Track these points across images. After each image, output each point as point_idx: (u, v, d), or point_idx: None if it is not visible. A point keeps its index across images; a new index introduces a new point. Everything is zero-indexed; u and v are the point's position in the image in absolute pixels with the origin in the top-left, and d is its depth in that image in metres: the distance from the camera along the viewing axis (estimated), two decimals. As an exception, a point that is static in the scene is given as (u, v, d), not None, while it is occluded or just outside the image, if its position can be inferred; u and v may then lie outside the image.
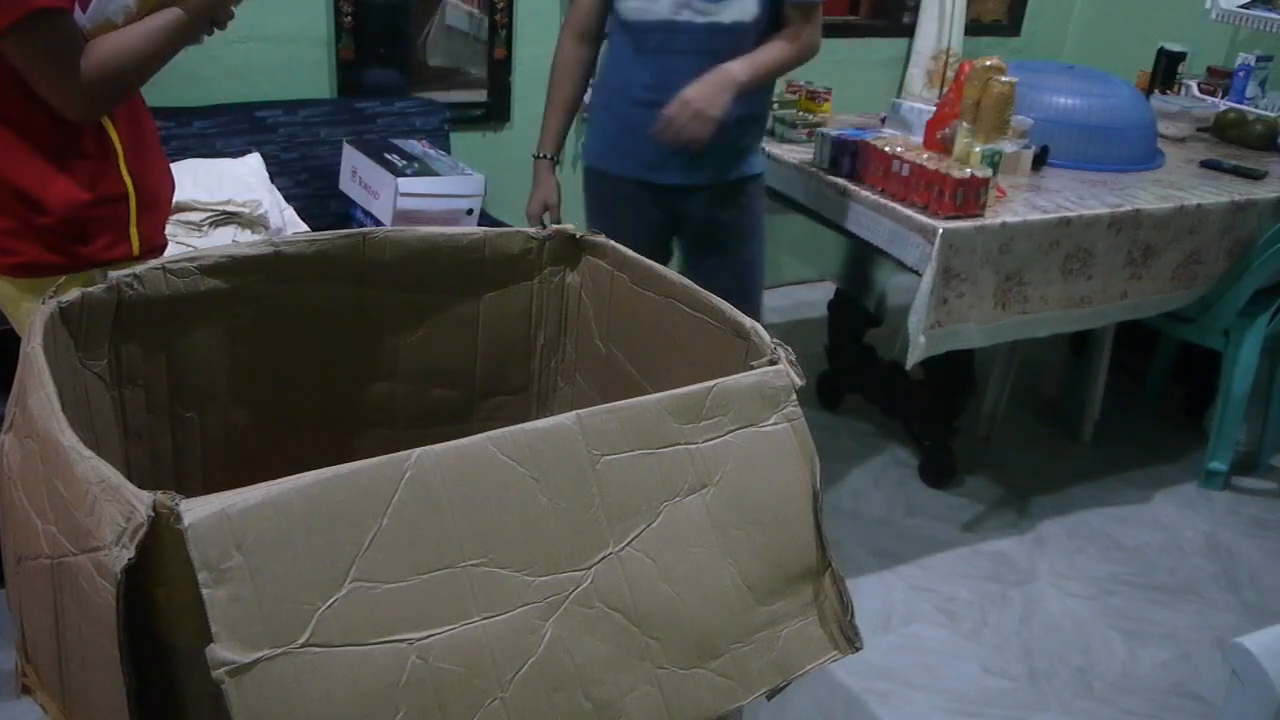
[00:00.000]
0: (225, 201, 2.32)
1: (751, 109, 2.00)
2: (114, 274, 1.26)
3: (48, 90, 1.32)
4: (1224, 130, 2.97)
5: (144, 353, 1.32)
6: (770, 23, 1.96)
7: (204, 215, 2.30)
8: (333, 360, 1.49)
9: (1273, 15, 3.17)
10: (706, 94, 1.82)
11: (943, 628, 2.16)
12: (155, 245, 1.59)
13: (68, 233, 1.44)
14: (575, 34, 2.05)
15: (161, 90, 2.47)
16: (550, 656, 0.93)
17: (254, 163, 2.53)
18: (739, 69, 1.86)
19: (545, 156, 2.09)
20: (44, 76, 1.31)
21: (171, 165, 2.27)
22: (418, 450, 0.91)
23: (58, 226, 1.43)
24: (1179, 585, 2.36)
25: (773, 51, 1.94)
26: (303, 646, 0.82)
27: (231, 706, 0.78)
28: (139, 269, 1.29)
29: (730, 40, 1.91)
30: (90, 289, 1.22)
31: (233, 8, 1.47)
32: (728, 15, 1.90)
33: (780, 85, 2.85)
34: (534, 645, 0.93)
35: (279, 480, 0.85)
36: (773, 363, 1.16)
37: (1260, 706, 1.16)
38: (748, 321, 1.27)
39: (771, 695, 1.08)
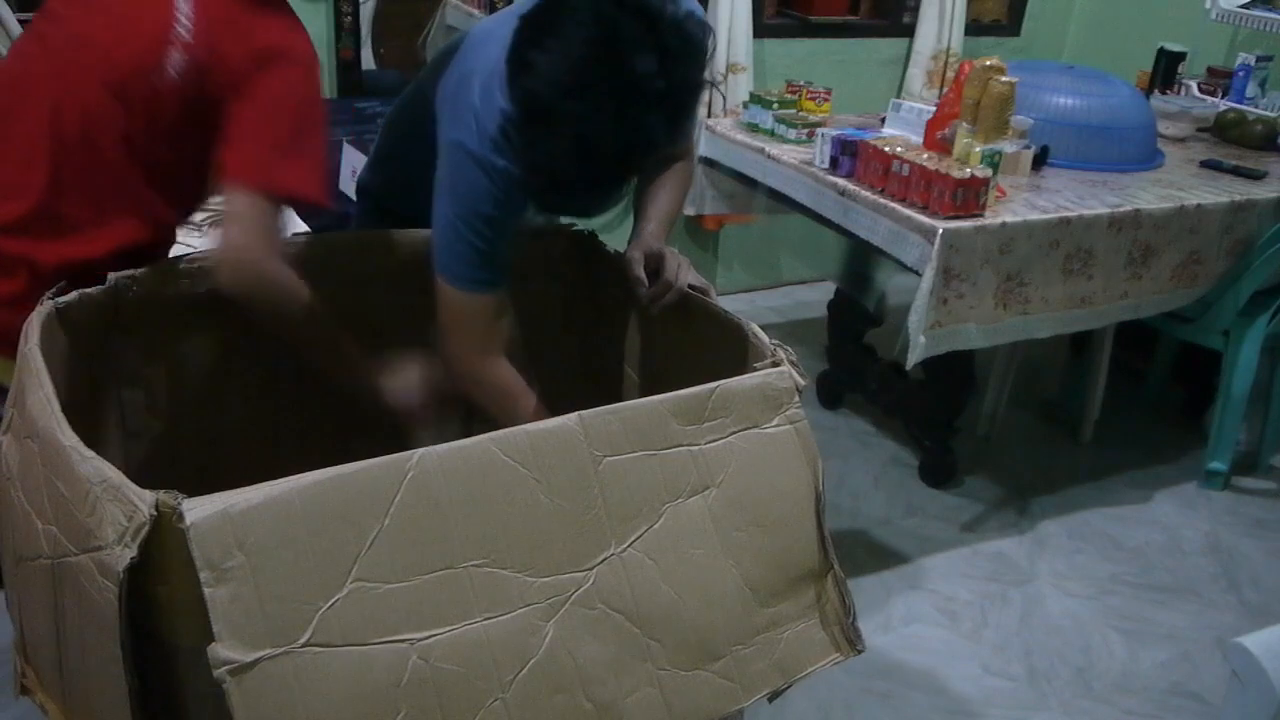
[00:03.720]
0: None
1: None
2: (112, 275, 1.25)
3: (229, 248, 1.21)
4: (1224, 130, 2.97)
5: (142, 353, 1.32)
6: None
7: (204, 215, 2.30)
8: (333, 360, 1.49)
9: (1273, 15, 3.16)
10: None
11: (943, 628, 2.16)
12: None
13: None
14: (497, 352, 1.43)
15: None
16: (551, 657, 0.93)
17: (254, 162, 2.52)
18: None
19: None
20: (239, 240, 1.21)
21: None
22: (420, 450, 0.91)
23: None
24: (1179, 585, 2.36)
25: (676, 201, 1.58)
26: (304, 646, 0.82)
27: (233, 706, 0.78)
28: (137, 270, 1.29)
29: None
30: (88, 290, 1.22)
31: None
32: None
33: (780, 85, 2.85)
34: (535, 646, 0.93)
35: (281, 480, 0.85)
36: (776, 364, 1.16)
37: (1260, 706, 1.16)
38: (746, 323, 1.27)
39: (773, 697, 1.08)
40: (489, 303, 1.35)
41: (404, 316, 1.51)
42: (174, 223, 1.41)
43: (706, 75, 1.17)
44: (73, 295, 1.19)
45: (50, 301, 1.15)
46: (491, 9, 2.97)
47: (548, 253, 1.60)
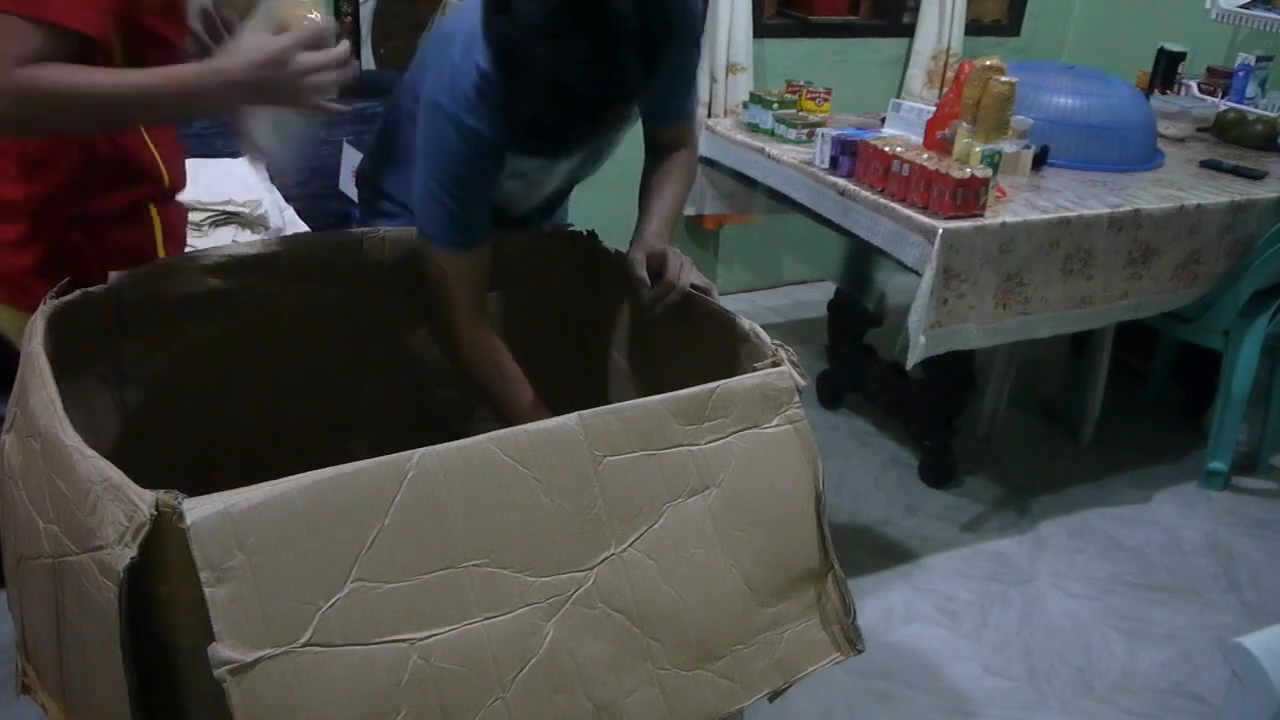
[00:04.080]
0: (225, 201, 2.32)
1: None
2: (113, 274, 1.25)
3: None
4: (1224, 130, 2.97)
5: (144, 352, 1.32)
6: None
7: (204, 215, 2.30)
8: (333, 360, 1.49)
9: (1273, 15, 3.17)
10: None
11: (943, 628, 2.16)
12: None
13: (92, 274, 1.31)
14: (479, 317, 1.43)
15: (161, 90, 2.46)
16: (552, 657, 0.93)
17: (254, 162, 2.53)
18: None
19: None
20: None
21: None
22: (420, 450, 0.91)
23: (85, 266, 1.31)
24: (1179, 585, 2.36)
25: (679, 198, 1.57)
26: (304, 646, 0.82)
27: (233, 706, 0.78)
28: (138, 269, 1.29)
29: None
30: (91, 289, 1.22)
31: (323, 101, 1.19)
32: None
33: (780, 85, 2.85)
34: (536, 646, 0.93)
35: (281, 480, 0.85)
36: (776, 364, 1.16)
37: (1260, 706, 1.16)
38: (746, 323, 1.27)
39: (773, 697, 1.08)
40: (465, 263, 1.35)
41: (404, 316, 1.51)
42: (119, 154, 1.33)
43: (691, 23, 1.20)
44: (75, 294, 1.19)
45: (53, 300, 1.15)
46: (492, 9, 2.97)
47: (547, 252, 1.60)
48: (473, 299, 1.38)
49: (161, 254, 1.44)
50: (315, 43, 1.13)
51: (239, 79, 1.11)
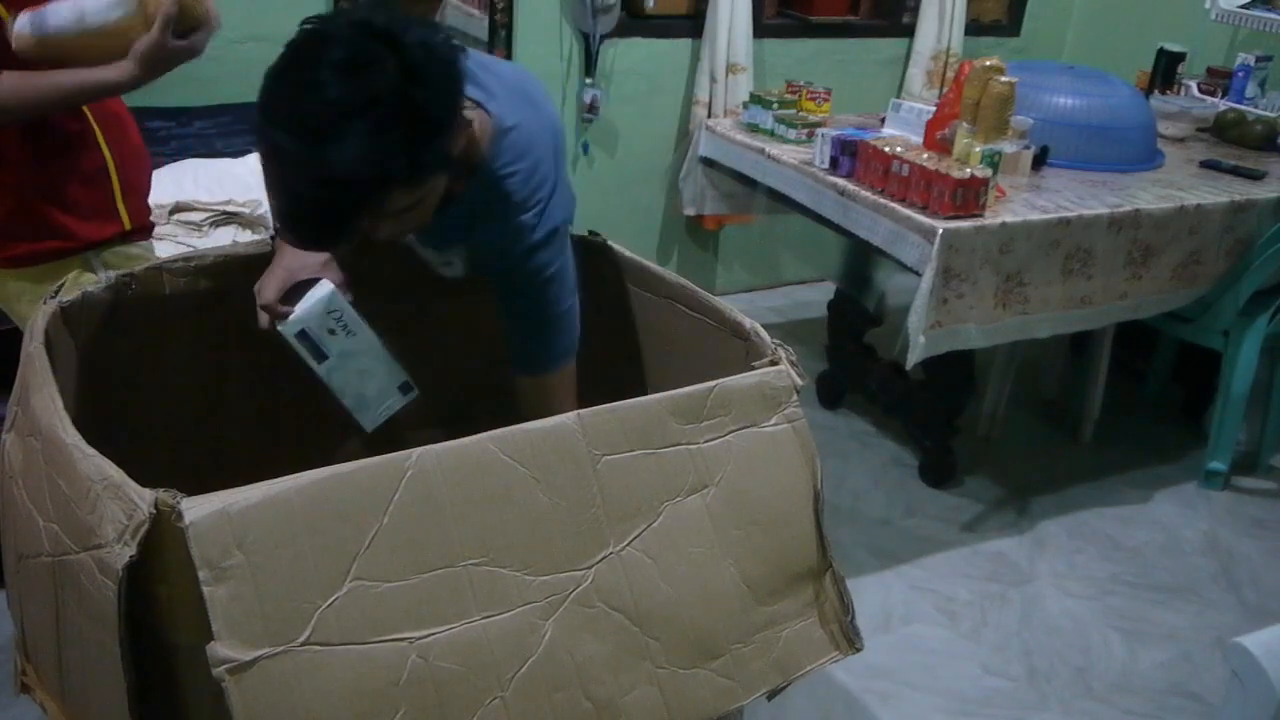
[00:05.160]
0: (225, 201, 2.32)
1: None
2: (112, 273, 1.26)
3: None
4: (1224, 130, 2.97)
5: (142, 352, 1.33)
6: None
7: (204, 215, 2.30)
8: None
9: (1273, 15, 3.16)
10: None
11: (943, 628, 2.16)
12: (143, 224, 1.60)
13: (55, 210, 1.44)
14: None
15: (162, 90, 2.46)
16: (550, 656, 0.93)
17: (254, 163, 2.53)
18: None
19: None
20: None
21: (171, 165, 2.27)
22: (418, 449, 0.91)
23: (43, 201, 1.43)
24: (1179, 585, 2.36)
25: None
26: (303, 645, 0.82)
27: (232, 704, 0.79)
28: (137, 269, 1.29)
29: None
30: (90, 289, 1.22)
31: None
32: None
33: (780, 85, 2.86)
34: (534, 645, 0.93)
35: (280, 479, 0.85)
36: (774, 363, 1.16)
37: (1260, 706, 1.16)
38: (747, 322, 1.27)
39: (772, 696, 1.08)
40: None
41: (402, 317, 1.51)
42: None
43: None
44: (75, 294, 1.19)
45: (54, 301, 1.15)
46: (491, 9, 2.98)
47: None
48: None
49: (105, 151, 1.50)
50: (176, 18, 1.32)
51: (139, 75, 1.34)
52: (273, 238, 1.37)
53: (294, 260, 1.31)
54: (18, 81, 1.30)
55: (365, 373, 1.36)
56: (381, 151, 0.98)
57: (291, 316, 1.28)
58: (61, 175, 1.46)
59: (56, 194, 1.45)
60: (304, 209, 1.02)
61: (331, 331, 1.30)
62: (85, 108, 1.47)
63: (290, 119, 0.99)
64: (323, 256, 1.34)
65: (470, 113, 1.15)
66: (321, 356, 1.31)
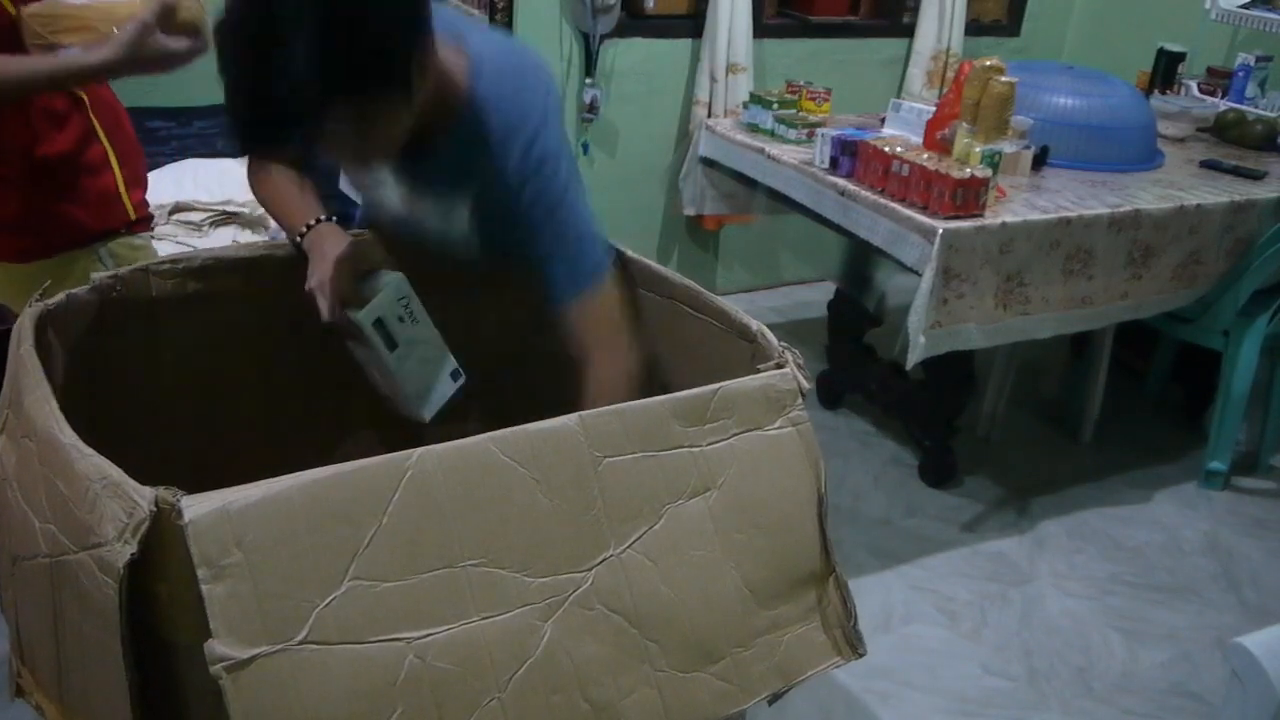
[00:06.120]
0: (225, 201, 2.32)
1: None
2: (96, 275, 1.26)
3: None
4: (1224, 130, 2.97)
5: (130, 354, 1.32)
6: None
7: (204, 215, 2.30)
8: (326, 361, 1.48)
9: (1273, 15, 3.16)
10: None
11: (943, 628, 2.15)
12: (145, 215, 1.62)
13: (63, 203, 1.46)
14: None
15: (162, 90, 2.46)
16: (549, 658, 0.93)
17: (253, 162, 2.52)
18: None
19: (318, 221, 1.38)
20: None
21: (171, 165, 2.27)
22: (419, 450, 0.91)
23: (50, 193, 1.45)
24: (1179, 585, 2.36)
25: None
26: (301, 644, 0.82)
27: (230, 703, 0.78)
28: (123, 270, 1.29)
29: None
30: (75, 290, 1.22)
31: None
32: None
33: (780, 85, 2.85)
34: (533, 646, 0.92)
35: (279, 478, 0.85)
36: (779, 366, 1.15)
37: (1260, 706, 1.16)
38: (753, 324, 1.26)
39: (773, 700, 1.07)
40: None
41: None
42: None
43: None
44: (60, 296, 1.19)
45: (40, 303, 1.15)
46: (490, 9, 2.97)
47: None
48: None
49: (105, 143, 1.52)
50: (163, 15, 1.32)
51: (116, 60, 1.31)
52: (303, 233, 1.37)
53: (336, 248, 1.31)
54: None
55: (427, 361, 1.36)
56: (324, 56, 1.03)
57: (368, 305, 1.28)
58: (66, 167, 1.47)
59: (62, 186, 1.47)
60: (248, 107, 1.08)
61: (401, 320, 1.31)
62: (85, 101, 1.47)
63: (240, 25, 1.05)
64: (376, 251, 1.37)
65: (445, 50, 1.20)
66: (393, 345, 1.31)
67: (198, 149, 2.53)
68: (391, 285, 1.31)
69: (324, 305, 1.28)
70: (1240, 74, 3.16)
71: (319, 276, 1.29)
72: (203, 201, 2.29)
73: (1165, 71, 3.17)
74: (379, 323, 1.30)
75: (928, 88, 3.70)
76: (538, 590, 0.94)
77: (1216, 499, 2.71)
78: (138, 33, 1.29)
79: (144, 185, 1.63)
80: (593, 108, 3.15)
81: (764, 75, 3.49)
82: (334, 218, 1.39)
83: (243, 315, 1.39)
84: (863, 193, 2.21)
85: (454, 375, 1.41)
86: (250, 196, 2.33)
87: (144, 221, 1.61)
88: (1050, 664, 2.08)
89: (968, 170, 2.08)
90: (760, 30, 3.39)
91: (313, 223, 1.36)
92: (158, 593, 0.85)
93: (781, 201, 2.48)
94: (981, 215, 2.11)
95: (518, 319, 1.57)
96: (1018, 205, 2.21)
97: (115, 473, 0.84)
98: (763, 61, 3.48)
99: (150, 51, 1.31)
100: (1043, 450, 2.90)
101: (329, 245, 1.32)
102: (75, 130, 1.48)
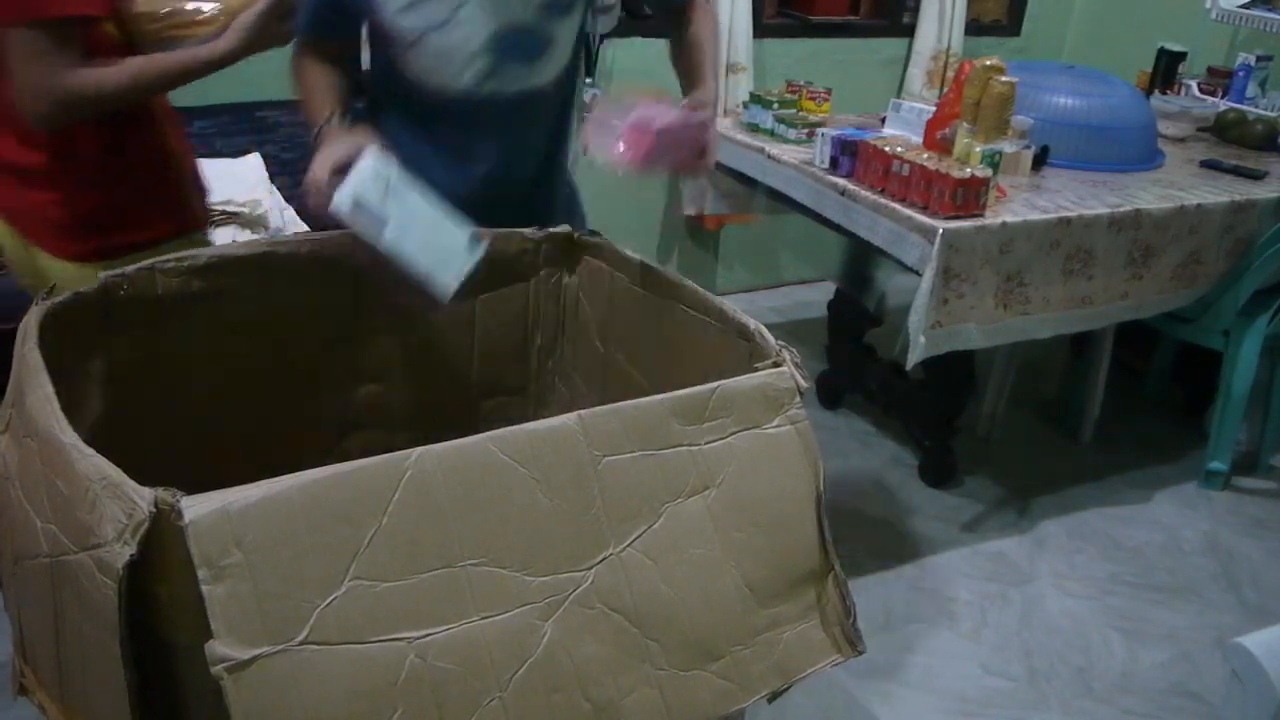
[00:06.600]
0: (225, 201, 2.32)
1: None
2: (102, 274, 1.26)
3: (17, 90, 1.31)
4: (1224, 130, 2.97)
5: (135, 353, 1.32)
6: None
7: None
8: (327, 361, 1.49)
9: (1273, 15, 3.16)
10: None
11: (943, 628, 2.16)
12: (207, 216, 1.68)
13: (138, 203, 1.50)
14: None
15: (161, 90, 2.46)
16: (549, 657, 0.93)
17: (254, 163, 2.53)
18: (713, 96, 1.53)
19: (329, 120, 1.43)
20: (23, 77, 1.30)
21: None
22: (418, 450, 0.91)
23: (125, 194, 1.48)
24: (1179, 585, 2.36)
25: (711, 47, 1.58)
26: (301, 644, 0.82)
27: (230, 703, 0.78)
28: (128, 269, 1.29)
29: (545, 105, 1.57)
30: (81, 289, 1.22)
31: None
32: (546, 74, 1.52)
33: (780, 85, 2.85)
34: (533, 645, 0.93)
35: (279, 478, 0.85)
36: (777, 364, 1.15)
37: (1260, 706, 1.16)
38: (751, 323, 1.27)
39: (773, 698, 1.07)
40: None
41: (399, 317, 1.51)
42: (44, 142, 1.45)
43: None
44: (66, 295, 1.19)
45: (46, 302, 1.15)
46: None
47: (544, 251, 1.60)
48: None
49: (170, 143, 1.56)
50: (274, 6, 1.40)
51: (246, 45, 1.40)
52: (316, 135, 1.41)
53: (336, 149, 1.33)
54: (115, 68, 1.33)
55: (430, 233, 1.31)
56: None
57: (341, 191, 1.26)
58: (144, 168, 1.49)
59: (140, 187, 1.49)
60: None
61: (385, 197, 1.27)
62: (155, 102, 1.50)
63: None
64: (364, 140, 1.35)
65: None
66: (381, 225, 1.27)
67: (198, 149, 2.51)
68: (366, 165, 1.26)
69: (310, 202, 1.29)
70: (1240, 74, 3.16)
71: (308, 176, 1.31)
72: (203, 201, 2.29)
73: (1165, 71, 3.17)
74: (357, 205, 1.26)
75: (928, 88, 3.71)
76: (538, 589, 0.94)
77: (1216, 499, 2.71)
78: (263, 18, 1.36)
79: (201, 184, 1.67)
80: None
81: (764, 75, 3.49)
82: (344, 114, 1.44)
83: (244, 313, 1.39)
84: (863, 193, 2.21)
85: (472, 241, 1.34)
86: (250, 196, 2.34)
87: (204, 222, 1.66)
88: (1050, 664, 2.08)
89: (968, 170, 2.08)
90: (760, 30, 3.40)
91: (322, 124, 1.40)
92: (158, 593, 0.85)
93: (781, 201, 2.48)
94: (982, 215, 2.11)
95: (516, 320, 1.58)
96: (1018, 205, 2.21)
97: (115, 473, 0.84)
98: (763, 61, 3.48)
99: (268, 34, 1.38)
100: (1043, 450, 2.90)
101: (325, 145, 1.35)
102: (149, 131, 1.50)
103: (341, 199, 1.25)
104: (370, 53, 1.53)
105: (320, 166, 1.30)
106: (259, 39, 1.39)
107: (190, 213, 1.60)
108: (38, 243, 1.49)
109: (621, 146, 1.33)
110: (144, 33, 1.37)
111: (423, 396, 1.57)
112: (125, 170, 1.48)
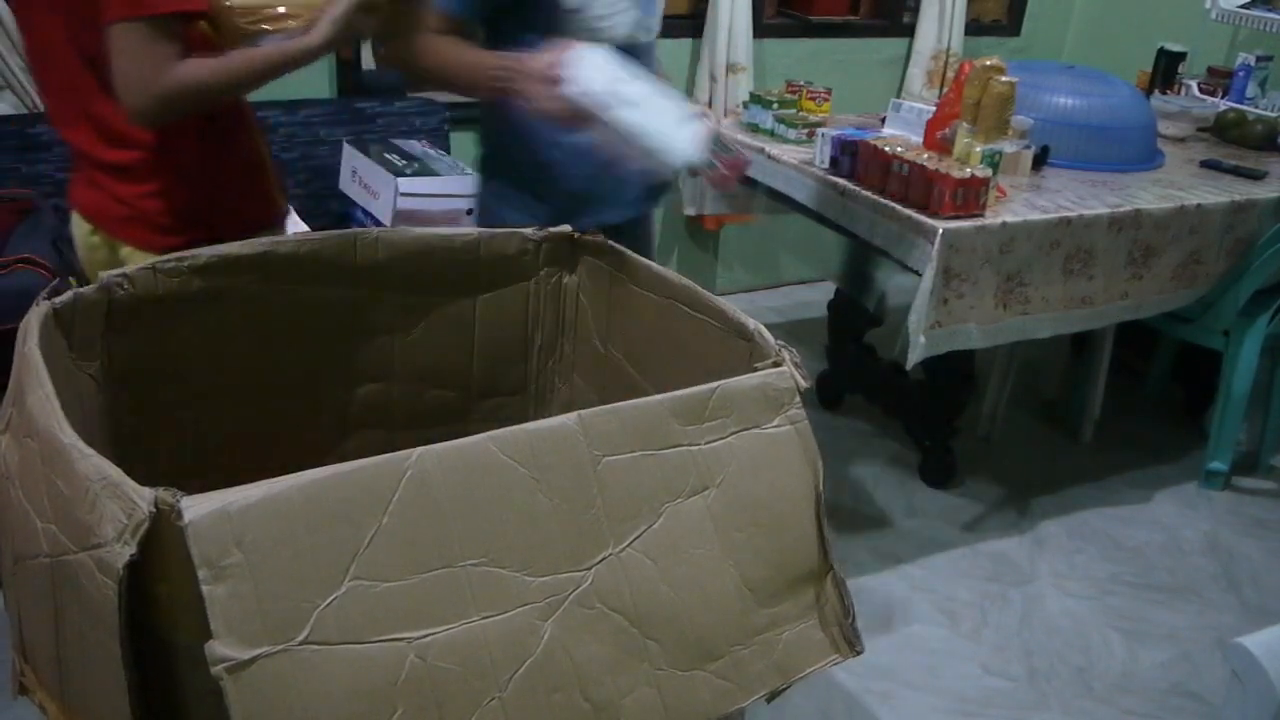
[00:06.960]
0: (225, 201, 2.32)
1: None
2: (103, 274, 1.26)
3: (122, 86, 1.32)
4: (1224, 130, 2.97)
5: (136, 353, 1.32)
6: None
7: (204, 215, 2.29)
8: (327, 361, 1.49)
9: (1273, 15, 3.16)
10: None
11: (943, 628, 2.16)
12: (285, 210, 1.72)
13: (234, 198, 1.54)
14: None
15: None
16: (549, 657, 0.93)
17: (254, 162, 2.52)
18: None
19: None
20: (129, 73, 1.31)
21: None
22: (418, 449, 0.91)
23: (224, 189, 1.52)
24: (1179, 585, 2.36)
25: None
26: (301, 644, 0.82)
27: (230, 703, 0.78)
28: (130, 269, 1.29)
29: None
30: (82, 289, 1.22)
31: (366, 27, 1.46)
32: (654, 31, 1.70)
33: (780, 85, 2.85)
34: (533, 645, 0.93)
35: (279, 478, 0.85)
36: (777, 364, 1.15)
37: (1260, 706, 1.16)
38: (751, 323, 1.27)
39: (772, 698, 1.08)
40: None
41: (399, 317, 1.51)
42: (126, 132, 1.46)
43: None
44: (68, 295, 1.19)
45: (47, 302, 1.15)
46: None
47: (544, 251, 1.60)
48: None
49: (257, 139, 1.60)
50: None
51: (336, 38, 1.40)
52: (499, 72, 1.47)
53: (543, 54, 1.42)
54: (214, 63, 1.35)
55: (656, 109, 1.41)
56: None
57: (571, 76, 1.36)
58: (234, 161, 1.52)
59: (231, 180, 1.52)
60: None
61: (611, 80, 1.38)
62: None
63: None
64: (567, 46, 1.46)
65: None
66: (613, 103, 1.37)
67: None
68: (587, 54, 1.38)
69: (535, 101, 1.41)
70: (1240, 74, 3.16)
71: (526, 76, 1.42)
72: (203, 201, 2.29)
73: (1165, 71, 3.17)
74: (588, 88, 1.36)
75: (928, 88, 3.71)
76: (538, 589, 0.94)
77: (1217, 499, 2.71)
78: (351, 10, 1.37)
79: (281, 178, 1.69)
80: (593, 108, 3.15)
81: (764, 75, 3.49)
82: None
83: (247, 314, 1.39)
84: (863, 193, 2.21)
85: (694, 115, 1.44)
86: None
87: (286, 215, 1.68)
88: (1050, 664, 2.08)
89: (968, 170, 2.08)
90: (760, 30, 3.40)
91: (505, 60, 1.46)
92: (158, 593, 0.85)
93: (781, 201, 2.48)
94: (982, 215, 2.11)
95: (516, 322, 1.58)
96: (1018, 205, 2.21)
97: (115, 473, 0.84)
98: (763, 61, 3.48)
99: (356, 26, 1.40)
100: (1043, 450, 2.90)
101: (523, 61, 1.44)
102: (241, 125, 1.52)
103: (574, 82, 1.35)
104: (496, 42, 1.59)
105: (538, 62, 1.41)
106: (347, 31, 1.41)
107: (275, 206, 1.63)
108: (127, 238, 1.49)
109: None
110: (233, 28, 1.38)
111: (423, 396, 1.57)
112: (221, 163, 1.50)
